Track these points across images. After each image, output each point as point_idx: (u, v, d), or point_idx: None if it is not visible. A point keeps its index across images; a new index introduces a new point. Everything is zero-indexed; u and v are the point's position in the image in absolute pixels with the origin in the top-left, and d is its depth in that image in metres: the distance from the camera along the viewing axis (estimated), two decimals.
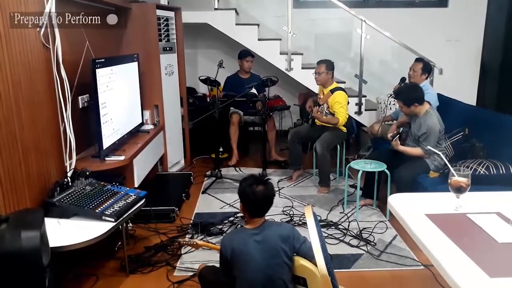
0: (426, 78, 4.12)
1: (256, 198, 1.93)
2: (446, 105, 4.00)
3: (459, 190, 1.70)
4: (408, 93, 3.34)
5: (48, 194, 2.42)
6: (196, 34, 5.62)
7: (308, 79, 4.67)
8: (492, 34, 5.87)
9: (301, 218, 3.38)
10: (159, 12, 3.94)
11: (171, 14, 4.22)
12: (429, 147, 2.61)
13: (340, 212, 3.55)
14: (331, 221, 3.36)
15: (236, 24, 4.92)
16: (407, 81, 4.25)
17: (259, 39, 4.95)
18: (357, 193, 3.54)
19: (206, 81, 4.38)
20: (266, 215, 2.01)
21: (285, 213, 3.50)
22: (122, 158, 2.92)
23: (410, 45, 4.85)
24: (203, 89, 5.52)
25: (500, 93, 6.00)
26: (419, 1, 6.02)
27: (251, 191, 1.94)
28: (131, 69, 3.50)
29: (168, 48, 4.16)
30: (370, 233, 3.16)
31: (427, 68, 4.09)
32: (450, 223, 1.60)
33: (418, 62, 4.15)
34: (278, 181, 4.24)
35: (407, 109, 3.31)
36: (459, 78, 5.66)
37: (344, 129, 4.15)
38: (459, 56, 5.81)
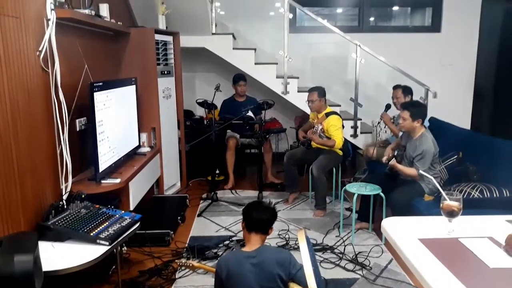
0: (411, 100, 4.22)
1: (258, 210, 2.09)
2: (440, 128, 4.05)
3: (451, 214, 1.71)
4: (418, 107, 3.38)
5: (42, 217, 2.41)
6: (194, 57, 5.70)
7: (303, 102, 4.71)
8: (485, 58, 5.99)
9: (296, 242, 3.36)
10: (158, 37, 4.02)
11: (169, 38, 4.30)
12: (421, 171, 2.63)
13: (336, 236, 3.54)
14: (327, 245, 3.35)
15: (234, 49, 5.01)
16: (392, 108, 4.35)
17: (256, 63, 5.03)
18: (353, 216, 3.54)
19: (203, 104, 4.43)
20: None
21: (281, 236, 3.49)
22: (118, 181, 2.93)
23: (405, 69, 4.93)
24: (200, 111, 5.57)
25: (493, 116, 6.09)
26: (413, 27, 6.17)
27: (256, 203, 2.15)
28: (129, 92, 3.54)
29: (166, 72, 4.22)
30: (365, 257, 3.15)
31: (406, 91, 4.24)
32: (443, 248, 1.60)
33: (397, 89, 4.31)
34: (274, 204, 4.21)
35: (410, 123, 3.30)
36: (453, 102, 5.73)
37: (340, 152, 4.18)
38: (453, 80, 5.90)
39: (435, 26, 5.93)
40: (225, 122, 4.48)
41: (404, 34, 5.93)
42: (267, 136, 4.90)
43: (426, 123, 3.95)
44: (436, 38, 5.88)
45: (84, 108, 2.93)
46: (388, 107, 4.37)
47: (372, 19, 6.10)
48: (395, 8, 6.33)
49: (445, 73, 5.85)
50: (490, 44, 5.97)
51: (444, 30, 5.88)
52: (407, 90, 4.26)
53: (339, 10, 6.24)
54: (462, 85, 6.02)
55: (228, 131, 4.91)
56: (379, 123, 4.48)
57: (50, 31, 2.50)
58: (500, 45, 6.00)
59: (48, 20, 2.51)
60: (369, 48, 4.87)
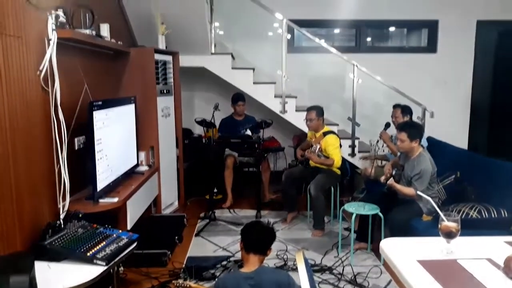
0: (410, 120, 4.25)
1: (256, 230, 2.10)
2: (438, 148, 4.07)
3: (449, 235, 1.71)
4: (414, 127, 3.41)
5: (39, 236, 2.39)
6: (193, 77, 5.75)
7: (301, 121, 4.74)
8: (481, 78, 6.07)
9: (295, 263, 3.33)
10: (157, 56, 4.06)
11: (169, 58, 4.34)
12: (419, 192, 2.63)
13: (335, 256, 3.52)
14: (326, 266, 3.32)
15: (232, 68, 5.06)
16: (391, 126, 4.38)
17: (254, 83, 5.08)
18: (351, 236, 3.52)
19: (202, 123, 4.45)
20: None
21: (279, 257, 3.46)
22: (115, 200, 2.92)
23: (402, 89, 4.98)
24: (199, 130, 5.59)
25: (490, 135, 6.14)
26: (409, 47, 6.26)
27: (254, 224, 2.17)
28: (128, 111, 3.56)
29: (165, 91, 4.25)
30: (364, 278, 3.12)
31: (406, 111, 4.26)
32: (442, 270, 1.59)
33: (396, 109, 4.34)
34: (272, 224, 4.19)
35: (408, 143, 3.31)
36: (450, 121, 5.78)
37: (338, 171, 4.19)
38: (450, 100, 5.96)
39: (431, 47, 6.02)
40: (223, 140, 4.50)
41: (401, 54, 6.02)
42: (265, 155, 4.91)
43: (425, 143, 3.97)
44: (432, 59, 5.96)
45: (83, 127, 2.94)
46: (387, 125, 4.39)
47: (369, 39, 6.19)
48: (392, 29, 6.43)
49: (442, 93, 5.91)
50: (485, 64, 6.06)
51: (440, 51, 5.96)
52: (406, 110, 4.29)
53: (337, 31, 6.33)
54: (458, 105, 6.08)
55: (226, 149, 4.92)
56: (378, 141, 4.49)
57: (51, 51, 2.52)
58: (495, 66, 6.09)
59: (49, 40, 2.54)
60: (366, 68, 4.93)
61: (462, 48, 5.96)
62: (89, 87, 3.18)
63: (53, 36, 2.53)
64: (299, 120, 4.91)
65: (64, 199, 2.68)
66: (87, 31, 2.88)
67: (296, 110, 5.04)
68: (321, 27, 6.21)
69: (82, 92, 3.10)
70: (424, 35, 6.22)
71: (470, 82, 6.07)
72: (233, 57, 5.24)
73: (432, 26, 5.99)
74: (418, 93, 5.11)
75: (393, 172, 3.66)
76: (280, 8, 4.99)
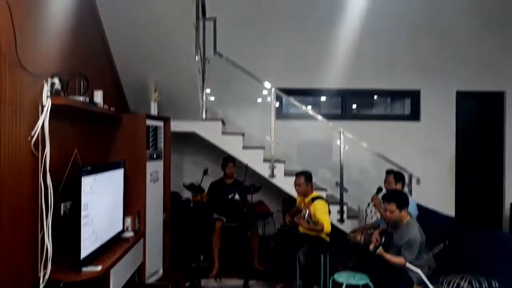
0: (403, 187, 4.28)
1: None
2: (426, 216, 4.09)
3: None
4: (400, 196, 3.42)
5: None
6: (183, 141, 5.82)
7: (290, 186, 4.76)
8: (464, 144, 6.28)
9: None
10: (149, 122, 4.13)
11: (160, 123, 4.42)
12: (408, 264, 2.60)
13: None
14: None
15: (223, 134, 5.15)
16: (384, 191, 4.40)
17: (243, 147, 5.15)
18: None
19: (191, 187, 4.44)
20: None
21: None
22: (99, 268, 2.82)
23: (387, 155, 5.10)
24: (187, 194, 5.55)
25: (476, 200, 6.22)
26: (393, 115, 6.49)
27: None
28: (117, 175, 3.55)
29: (155, 156, 4.27)
30: None
31: (398, 177, 4.30)
32: None
33: (389, 174, 4.39)
34: None
35: (398, 214, 3.31)
36: (436, 187, 5.85)
37: (327, 238, 4.14)
38: (435, 166, 6.08)
39: (414, 115, 6.26)
40: (211, 205, 4.46)
41: (386, 121, 6.23)
42: (254, 221, 4.85)
43: (415, 211, 3.98)
44: (416, 126, 6.18)
45: (70, 191, 2.91)
46: (379, 190, 4.41)
47: (354, 106, 6.42)
48: (376, 97, 6.69)
49: (427, 160, 6.04)
50: (468, 130, 6.30)
51: (423, 119, 6.20)
52: (399, 177, 4.31)
53: (323, 98, 6.57)
54: (444, 170, 6.20)
55: (214, 214, 4.86)
56: (369, 204, 4.48)
57: (44, 117, 2.56)
58: (476, 133, 6.33)
59: (43, 106, 2.59)
60: (352, 134, 5.07)
61: (444, 117, 6.20)
62: (79, 151, 3.18)
63: (47, 103, 2.58)
64: (287, 185, 4.93)
65: (45, 267, 2.59)
66: (81, 98, 2.95)
67: (285, 175, 5.08)
68: (308, 95, 6.44)
69: (72, 156, 3.11)
70: (407, 103, 6.48)
71: (453, 149, 6.25)
72: (223, 123, 5.35)
73: (414, 96, 6.27)
74: (404, 159, 5.22)
75: (382, 240, 3.63)
76: (269, 77, 5.22)
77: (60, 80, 2.73)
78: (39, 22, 2.68)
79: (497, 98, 6.34)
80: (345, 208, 5.05)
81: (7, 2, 2.23)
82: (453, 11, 6.13)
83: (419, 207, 4.20)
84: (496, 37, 6.24)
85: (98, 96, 3.36)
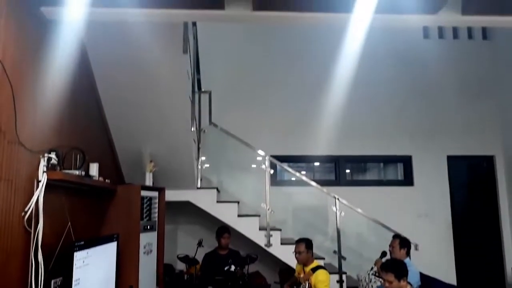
0: (407, 254, 4.20)
1: None
2: (428, 285, 3.98)
3: None
4: (399, 265, 3.34)
5: None
6: (177, 210, 5.76)
7: (287, 255, 4.67)
8: (459, 209, 6.28)
9: None
10: (144, 193, 4.11)
11: (155, 194, 4.40)
12: None
13: None
14: None
15: (217, 202, 5.13)
16: (388, 255, 4.32)
17: (239, 215, 5.11)
18: None
19: (185, 259, 4.33)
20: None
21: None
22: None
23: (383, 220, 5.07)
24: (180, 266, 5.40)
25: (477, 265, 6.09)
26: (387, 180, 6.54)
27: None
28: (110, 249, 3.47)
29: (148, 227, 4.21)
30: None
31: (404, 243, 4.23)
32: None
33: (395, 239, 4.33)
34: None
35: (397, 284, 3.22)
36: (435, 253, 5.76)
37: None
38: (432, 231, 6.03)
39: (407, 180, 6.31)
40: (206, 278, 4.33)
41: (380, 187, 6.26)
42: None
43: (417, 282, 3.88)
44: (410, 191, 6.21)
45: (62, 267, 2.83)
46: (383, 254, 4.33)
47: (348, 171, 6.48)
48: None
49: (424, 225, 6.00)
50: (462, 194, 6.32)
51: (417, 184, 6.24)
52: (404, 242, 4.23)
53: (317, 163, 6.65)
54: (441, 235, 6.14)
55: (209, 287, 4.69)
56: (372, 268, 4.35)
57: (39, 193, 2.56)
58: (470, 197, 6.36)
59: (38, 181, 2.60)
60: (347, 200, 5.07)
61: (437, 181, 6.26)
62: (73, 225, 3.14)
63: (43, 178, 2.60)
64: (284, 254, 4.83)
65: None
66: (77, 172, 2.97)
67: (282, 243, 4.99)
68: (302, 162, 6.52)
69: (65, 230, 3.06)
70: (400, 168, 6.57)
71: (449, 213, 6.23)
72: (218, 191, 5.36)
73: (406, 161, 6.36)
74: (400, 225, 5.18)
75: None
76: (262, 145, 5.31)
77: (57, 155, 2.77)
78: (38, 99, 2.74)
79: (488, 161, 6.46)
80: (344, 277, 4.91)
81: (9, 82, 2.33)
82: (438, 79, 6.42)
83: (422, 276, 4.10)
84: (483, 103, 6.50)
85: (94, 169, 3.39)
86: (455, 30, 6.74)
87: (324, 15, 2.79)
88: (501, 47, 6.57)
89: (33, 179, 2.59)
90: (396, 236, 4.41)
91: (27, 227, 2.50)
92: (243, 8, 2.71)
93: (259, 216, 5.17)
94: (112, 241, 3.53)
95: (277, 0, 2.65)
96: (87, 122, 3.73)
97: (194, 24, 4.48)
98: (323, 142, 6.04)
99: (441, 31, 6.70)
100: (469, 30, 6.77)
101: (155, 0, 2.68)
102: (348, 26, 2.89)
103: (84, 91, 3.63)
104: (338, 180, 6.26)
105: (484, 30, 6.79)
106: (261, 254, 5.05)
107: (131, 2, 2.63)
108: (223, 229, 4.96)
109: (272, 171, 5.28)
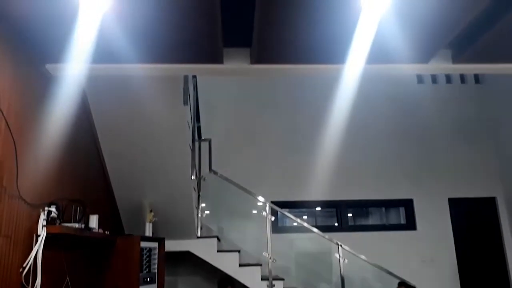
0: None
1: None
2: None
3: None
4: None
5: None
6: (177, 260, 5.65)
7: None
8: (463, 252, 6.15)
9: None
10: (143, 244, 4.06)
11: (154, 244, 4.34)
12: None
13: None
14: None
15: (218, 251, 5.03)
16: None
17: (240, 265, 5.00)
18: None
19: None
20: None
21: None
22: None
23: (387, 266, 4.96)
24: None
25: None
26: (389, 225, 6.45)
27: None
28: None
29: (148, 279, 4.11)
30: None
31: None
32: None
33: (401, 286, 4.24)
34: None
35: None
36: None
37: None
38: (438, 276, 5.89)
39: (410, 224, 6.23)
40: None
41: (382, 232, 6.17)
42: None
43: None
44: (413, 236, 6.11)
45: None
46: None
47: (350, 215, 6.41)
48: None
49: (429, 269, 5.86)
50: (465, 238, 6.22)
51: (420, 228, 6.16)
52: None
53: (318, 208, 6.58)
54: (447, 281, 5.98)
55: None
56: None
57: (38, 248, 2.53)
58: (475, 238, 6.26)
59: (38, 236, 2.58)
60: (350, 246, 4.98)
61: (440, 224, 6.19)
62: (71, 279, 3.08)
63: (43, 232, 2.58)
64: None
65: None
66: (76, 225, 2.95)
67: None
68: (303, 208, 6.47)
69: (63, 285, 3.00)
70: (402, 212, 6.51)
71: (454, 257, 6.10)
72: (218, 239, 5.27)
73: (408, 205, 6.32)
74: (406, 271, 5.08)
75: None
76: (263, 191, 5.29)
77: (57, 208, 2.77)
78: (39, 152, 2.77)
79: (489, 203, 6.42)
80: None
81: (13, 140, 2.37)
82: (435, 123, 6.52)
83: None
84: (481, 145, 6.56)
85: (94, 221, 3.36)
86: (447, 76, 6.92)
87: (319, 67, 2.89)
88: (494, 90, 6.72)
89: (32, 233, 2.58)
90: (402, 283, 4.33)
91: (24, 283, 2.46)
92: (242, 61, 2.81)
93: (260, 265, 5.05)
94: None
95: (274, 54, 2.74)
96: (87, 173, 3.75)
97: (194, 75, 4.60)
98: (324, 187, 6.02)
99: (434, 76, 6.87)
100: (462, 75, 6.95)
101: (156, 55, 2.76)
102: (343, 76, 2.98)
103: (85, 142, 3.67)
104: (340, 225, 6.19)
105: (476, 75, 6.97)
106: None
107: (132, 58, 2.72)
108: (225, 282, 4.83)
109: (273, 218, 5.22)
